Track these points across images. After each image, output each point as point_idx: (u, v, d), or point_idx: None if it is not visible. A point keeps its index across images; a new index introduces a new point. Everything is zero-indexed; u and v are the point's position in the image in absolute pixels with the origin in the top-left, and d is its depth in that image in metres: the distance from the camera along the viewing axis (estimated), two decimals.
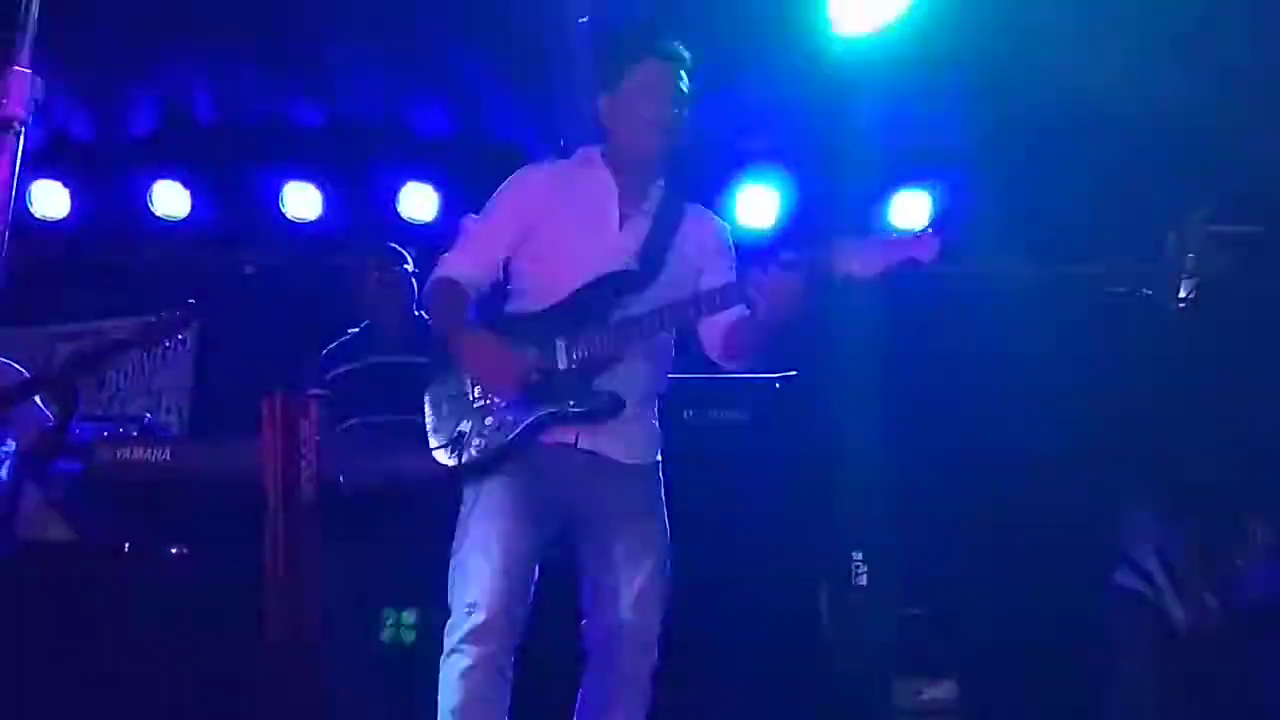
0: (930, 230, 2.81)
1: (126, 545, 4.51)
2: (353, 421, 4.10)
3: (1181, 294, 6.01)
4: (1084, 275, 6.27)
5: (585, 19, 4.81)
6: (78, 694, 4.10)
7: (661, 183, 3.01)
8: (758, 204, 5.95)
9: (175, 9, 5.17)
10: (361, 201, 6.13)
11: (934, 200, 5.98)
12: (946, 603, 5.14)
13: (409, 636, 3.76)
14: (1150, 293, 6.08)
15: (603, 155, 3.00)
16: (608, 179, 2.95)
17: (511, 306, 2.95)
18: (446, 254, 2.99)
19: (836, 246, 2.68)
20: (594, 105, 3.02)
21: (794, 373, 4.53)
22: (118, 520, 4.52)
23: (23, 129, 1.54)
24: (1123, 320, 5.92)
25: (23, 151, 1.64)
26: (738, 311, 2.85)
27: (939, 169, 5.89)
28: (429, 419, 2.90)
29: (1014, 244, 6.18)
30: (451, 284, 2.90)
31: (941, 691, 4.88)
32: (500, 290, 3.02)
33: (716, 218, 3.13)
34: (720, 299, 2.78)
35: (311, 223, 6.15)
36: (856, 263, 2.71)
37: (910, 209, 6.06)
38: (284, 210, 6.13)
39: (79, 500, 4.63)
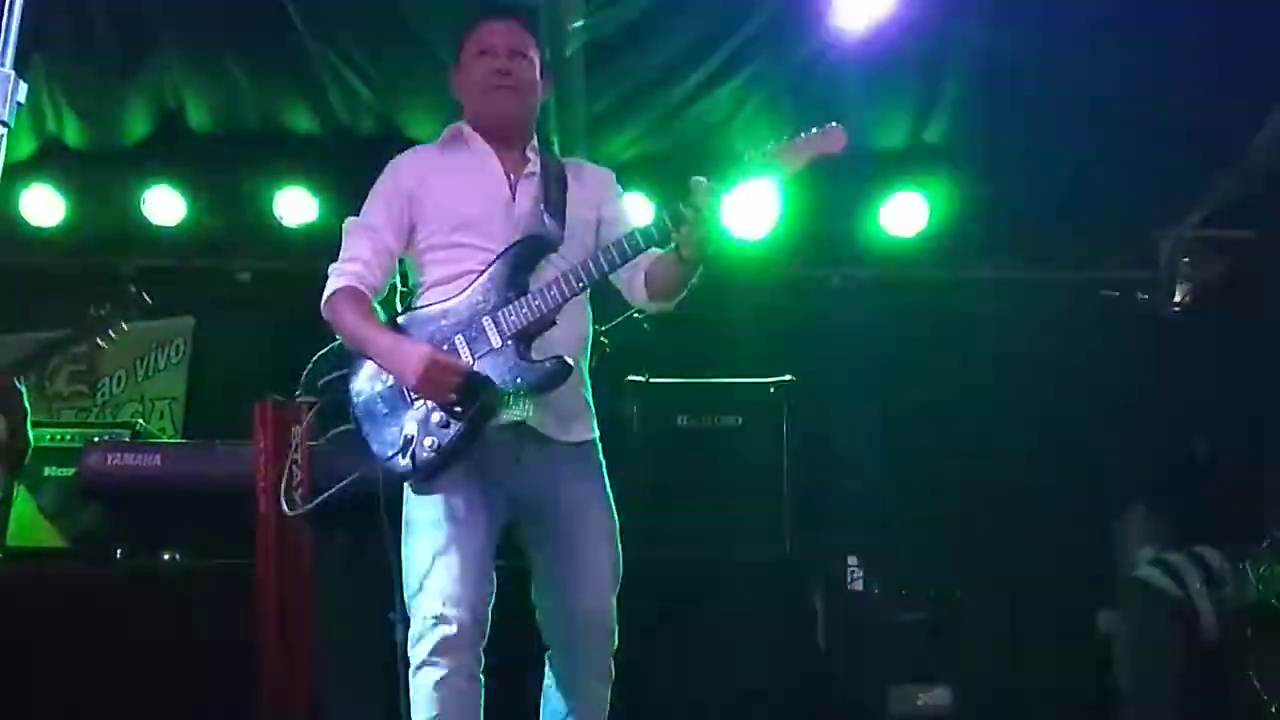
0: (835, 124, 2.74)
1: (118, 552, 4.50)
2: (346, 427, 4.07)
3: (1177, 298, 6.03)
4: (1080, 280, 6.28)
5: (579, 24, 4.81)
6: (69, 701, 4.08)
7: (535, 142, 2.94)
8: (756, 209, 5.90)
9: (169, 15, 5.17)
10: (356, 206, 6.10)
11: (929, 203, 5.97)
12: (942, 608, 5.13)
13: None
14: (1146, 297, 6.10)
15: (471, 126, 2.92)
16: (484, 149, 2.88)
17: (423, 299, 2.84)
18: (335, 263, 2.87)
19: (749, 158, 2.67)
20: (449, 81, 2.99)
21: (788, 378, 4.52)
22: (109, 527, 4.51)
23: (4, 131, 1.53)
24: (1119, 324, 5.92)
25: (12, 155, 1.63)
26: (652, 253, 2.77)
27: (932, 173, 5.88)
28: (365, 430, 2.79)
29: (1008, 249, 6.19)
30: (352, 291, 2.79)
31: (937, 697, 4.86)
32: (401, 286, 2.93)
33: (597, 165, 3.08)
34: (637, 242, 2.70)
35: (306, 228, 6.13)
36: (773, 167, 2.69)
37: (905, 212, 6.04)
38: (278, 216, 6.11)
39: (70, 507, 4.63)
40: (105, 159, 6.03)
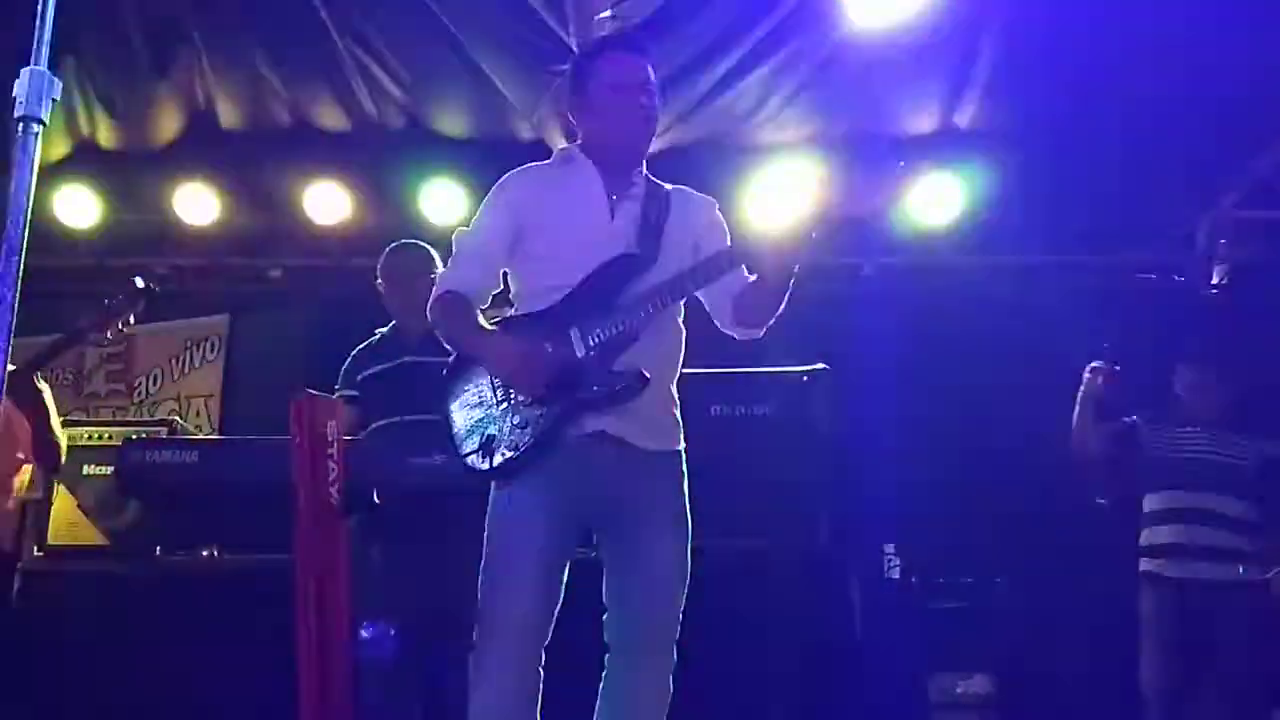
0: (901, 164, 2.86)
1: (157, 548, 4.53)
2: (384, 422, 4.08)
3: (1214, 280, 5.97)
4: (1116, 264, 6.22)
5: (606, 14, 4.80)
6: (107, 696, 4.12)
7: (643, 168, 3.04)
8: (785, 194, 5.86)
9: (198, 14, 5.20)
10: (388, 203, 6.14)
11: (961, 188, 5.92)
12: (980, 596, 5.10)
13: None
14: (1183, 279, 6.04)
15: (582, 150, 3.03)
16: (591, 171, 2.98)
17: (518, 310, 2.97)
18: (442, 271, 3.04)
19: (829, 189, 2.70)
20: (565, 106, 3.09)
21: (821, 366, 4.50)
22: (148, 524, 4.54)
23: (40, 128, 1.54)
24: (1156, 308, 5.86)
25: (46, 156, 1.65)
26: (742, 279, 2.88)
27: (968, 159, 5.83)
28: (455, 428, 2.91)
29: (1042, 233, 6.13)
30: (455, 295, 2.93)
31: (976, 685, 4.84)
32: (503, 299, 3.04)
33: (703, 195, 3.15)
34: (721, 263, 2.80)
35: (338, 225, 6.16)
36: (854, 200, 2.74)
37: (936, 198, 6.00)
38: (309, 213, 6.14)
39: (109, 504, 4.66)
40: (137, 159, 6.07)
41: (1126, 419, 4.79)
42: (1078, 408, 4.75)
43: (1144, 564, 4.65)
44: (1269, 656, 4.47)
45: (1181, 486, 4.62)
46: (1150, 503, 4.71)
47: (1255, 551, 4.55)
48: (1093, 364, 4.76)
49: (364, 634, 3.68)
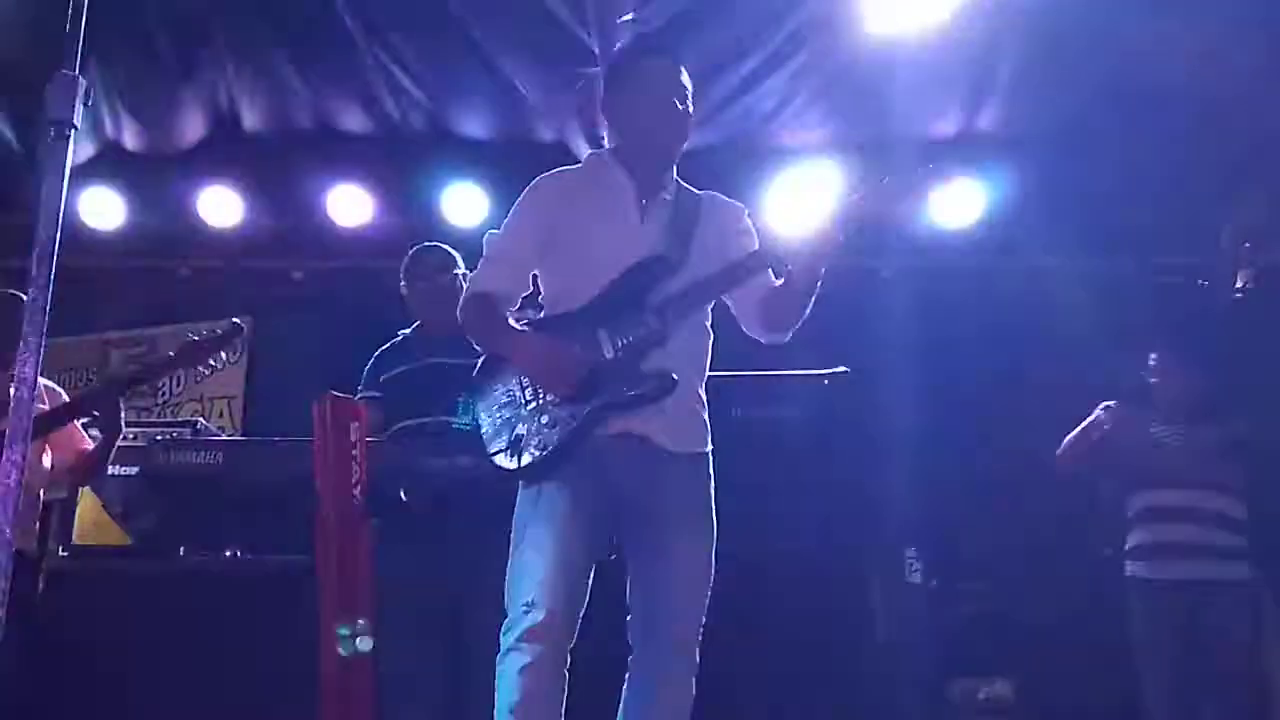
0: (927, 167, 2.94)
1: (180, 548, 4.55)
2: (408, 423, 4.09)
3: (1238, 284, 5.92)
4: (1138, 268, 6.19)
5: (628, 17, 4.81)
6: (131, 697, 4.14)
7: (674, 173, 3.07)
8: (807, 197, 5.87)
9: (221, 17, 5.22)
10: (410, 205, 6.16)
11: (982, 191, 5.90)
12: (1001, 601, 5.08)
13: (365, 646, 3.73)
14: (1207, 283, 5.99)
15: (613, 155, 3.05)
16: (622, 176, 3.01)
17: (548, 311, 3.00)
18: (473, 273, 3.07)
19: (857, 193, 2.74)
20: (600, 111, 3.12)
21: (843, 369, 4.49)
22: (171, 524, 4.56)
23: (71, 132, 1.56)
24: (1180, 312, 5.83)
25: (73, 158, 1.66)
26: (768, 282, 2.92)
27: (992, 161, 5.81)
28: (484, 427, 2.92)
29: (1063, 236, 6.11)
30: (485, 297, 2.96)
31: (998, 691, 4.82)
32: (533, 302, 3.07)
33: (733, 200, 3.17)
34: (750, 266, 2.84)
35: (360, 227, 6.18)
36: (882, 204, 2.81)
37: (957, 200, 5.98)
38: (332, 215, 6.16)
39: (133, 505, 4.68)
40: (161, 161, 6.11)
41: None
42: (1077, 434, 4.69)
43: (1129, 567, 4.60)
44: (1263, 654, 4.45)
45: (1164, 485, 4.57)
46: (1133, 504, 4.66)
47: (1243, 548, 4.50)
48: (1108, 404, 4.69)
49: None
